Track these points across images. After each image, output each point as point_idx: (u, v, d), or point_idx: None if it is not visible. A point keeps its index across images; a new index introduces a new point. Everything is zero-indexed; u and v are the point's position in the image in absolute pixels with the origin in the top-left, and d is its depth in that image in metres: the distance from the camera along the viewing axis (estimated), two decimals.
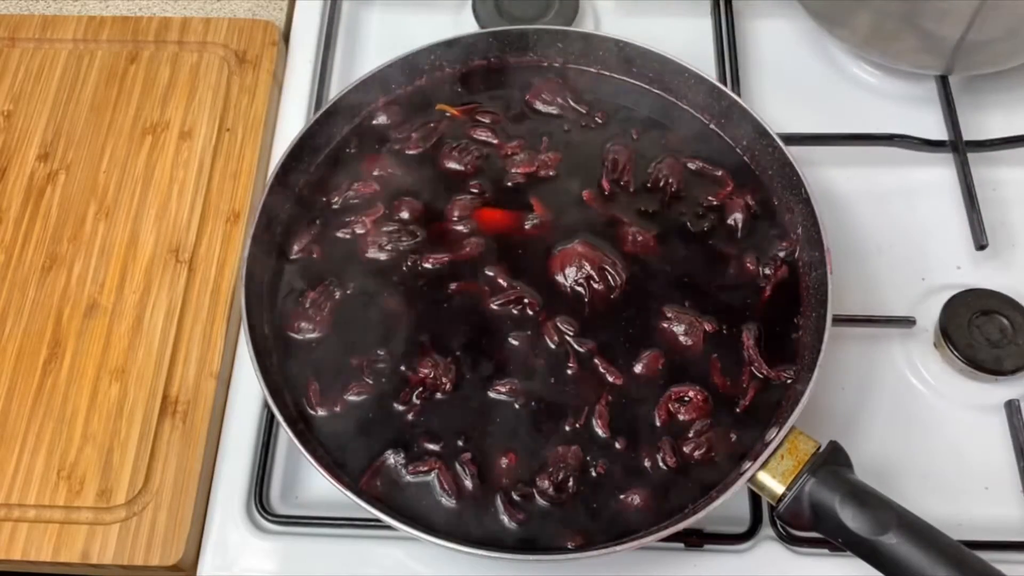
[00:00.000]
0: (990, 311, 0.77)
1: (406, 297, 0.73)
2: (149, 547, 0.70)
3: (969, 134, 0.86)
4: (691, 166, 0.79)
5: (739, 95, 0.82)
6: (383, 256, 0.75)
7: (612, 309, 0.73)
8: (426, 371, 0.70)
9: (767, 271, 0.74)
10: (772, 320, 0.72)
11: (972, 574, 0.57)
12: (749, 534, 0.70)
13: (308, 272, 0.75)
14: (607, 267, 0.74)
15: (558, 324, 0.72)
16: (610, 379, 0.70)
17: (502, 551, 0.63)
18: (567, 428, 0.68)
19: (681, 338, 0.71)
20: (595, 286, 0.73)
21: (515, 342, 0.71)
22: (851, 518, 0.60)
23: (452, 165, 0.79)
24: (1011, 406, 0.75)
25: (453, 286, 0.74)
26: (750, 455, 0.66)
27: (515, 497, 0.66)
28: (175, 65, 0.92)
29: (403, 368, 0.71)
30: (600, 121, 0.82)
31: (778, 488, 0.63)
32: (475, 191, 0.78)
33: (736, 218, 0.76)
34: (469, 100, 0.83)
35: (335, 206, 0.78)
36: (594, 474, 0.67)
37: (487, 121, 0.82)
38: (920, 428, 0.75)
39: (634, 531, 0.64)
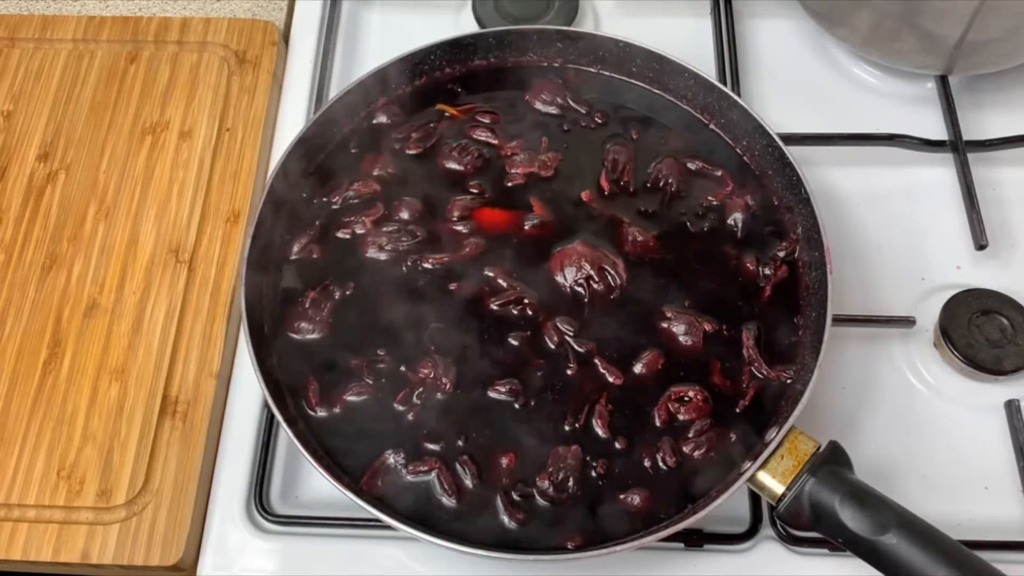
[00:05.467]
0: (990, 311, 0.77)
1: (406, 297, 0.73)
2: (149, 547, 0.71)
3: (969, 134, 0.86)
4: (691, 166, 0.79)
5: (739, 95, 0.82)
6: (383, 256, 0.75)
7: (612, 309, 0.73)
8: (426, 371, 0.70)
9: (767, 271, 0.74)
10: (772, 320, 0.72)
11: (972, 574, 0.57)
12: (749, 534, 0.70)
13: (308, 272, 0.75)
14: (607, 267, 0.74)
15: (558, 324, 0.72)
16: (610, 379, 0.70)
17: (502, 551, 0.63)
18: (567, 428, 0.68)
19: (681, 338, 0.71)
20: (595, 286, 0.73)
21: (515, 342, 0.71)
22: (851, 518, 0.60)
23: (452, 165, 0.79)
24: (1011, 406, 0.75)
25: (453, 286, 0.74)
26: (750, 455, 0.66)
27: (515, 497, 0.66)
28: (175, 65, 0.92)
29: (403, 368, 0.71)
30: (600, 121, 0.82)
31: (778, 488, 0.63)
32: (475, 191, 0.78)
33: (736, 218, 0.76)
34: (469, 100, 0.83)
35: (335, 206, 0.78)
36: (594, 474, 0.67)
37: (487, 121, 0.82)
38: (920, 428, 0.75)
39: (634, 531, 0.64)
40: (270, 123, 0.90)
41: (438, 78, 0.84)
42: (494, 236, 0.76)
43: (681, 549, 0.70)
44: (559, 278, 0.74)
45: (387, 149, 0.80)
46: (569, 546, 0.64)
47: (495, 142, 0.80)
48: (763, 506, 0.71)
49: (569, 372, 0.70)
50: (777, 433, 0.64)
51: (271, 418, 0.75)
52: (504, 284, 0.74)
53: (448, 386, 0.70)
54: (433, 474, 0.67)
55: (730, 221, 0.77)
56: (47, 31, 0.94)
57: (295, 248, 0.76)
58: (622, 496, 0.66)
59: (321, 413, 0.70)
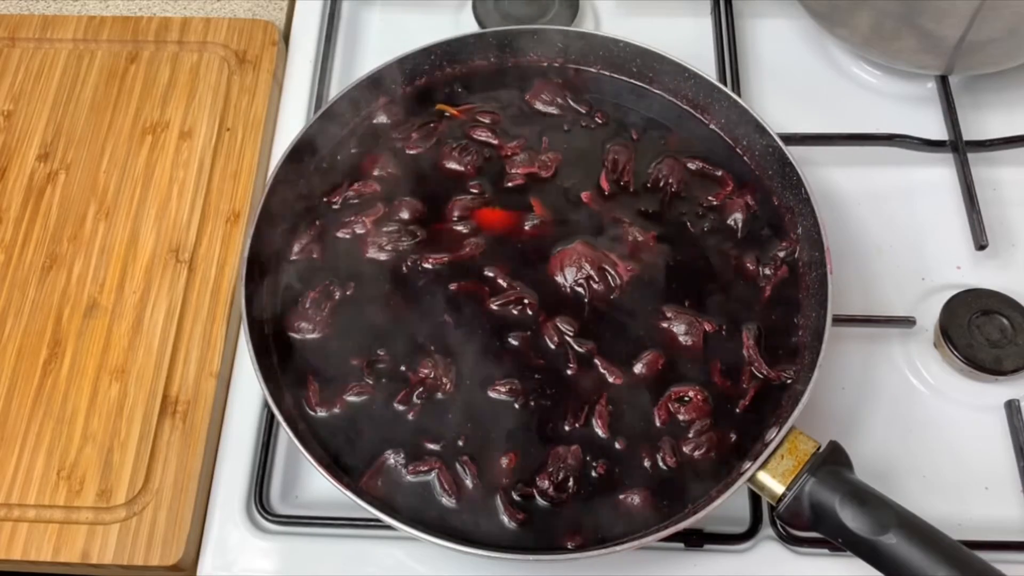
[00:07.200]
0: (990, 311, 0.77)
1: (406, 297, 0.73)
2: (149, 547, 0.71)
3: (969, 134, 0.86)
4: (691, 166, 0.79)
5: (739, 95, 0.82)
6: (383, 256, 0.75)
7: (612, 309, 0.73)
8: (426, 371, 0.70)
9: (767, 271, 0.74)
10: (772, 320, 0.72)
11: (972, 574, 0.57)
12: (749, 534, 0.70)
13: (308, 272, 0.75)
14: (607, 267, 0.74)
15: (558, 324, 0.72)
16: (610, 379, 0.70)
17: (502, 551, 0.63)
18: (567, 428, 0.68)
19: (681, 338, 0.71)
20: (595, 286, 0.73)
21: (515, 342, 0.71)
22: (851, 518, 0.60)
23: (452, 165, 0.79)
24: (1011, 406, 0.75)
25: (453, 286, 0.74)
26: (750, 455, 0.66)
27: (515, 497, 0.66)
28: (175, 65, 0.92)
29: (403, 368, 0.71)
30: (600, 121, 0.82)
31: (778, 488, 0.63)
32: (475, 191, 0.78)
33: (736, 218, 0.76)
34: (469, 100, 0.83)
35: (335, 206, 0.78)
36: (594, 474, 0.67)
37: (487, 121, 0.82)
38: (920, 428, 0.75)
39: (634, 531, 0.64)
40: (270, 123, 0.90)
41: (438, 78, 0.84)
42: (494, 236, 0.76)
43: (681, 549, 0.70)
44: (559, 278, 0.74)
45: (387, 149, 0.80)
46: (569, 546, 0.64)
47: (495, 142, 0.80)
48: (763, 506, 0.71)
49: (569, 372, 0.70)
50: (777, 433, 0.64)
51: (271, 418, 0.75)
52: (504, 284, 0.73)
53: (448, 386, 0.70)
54: (433, 474, 0.67)
55: (730, 221, 0.77)
56: (47, 31, 0.94)
57: (295, 248, 0.76)
58: (622, 496, 0.66)
59: (321, 413, 0.70)
